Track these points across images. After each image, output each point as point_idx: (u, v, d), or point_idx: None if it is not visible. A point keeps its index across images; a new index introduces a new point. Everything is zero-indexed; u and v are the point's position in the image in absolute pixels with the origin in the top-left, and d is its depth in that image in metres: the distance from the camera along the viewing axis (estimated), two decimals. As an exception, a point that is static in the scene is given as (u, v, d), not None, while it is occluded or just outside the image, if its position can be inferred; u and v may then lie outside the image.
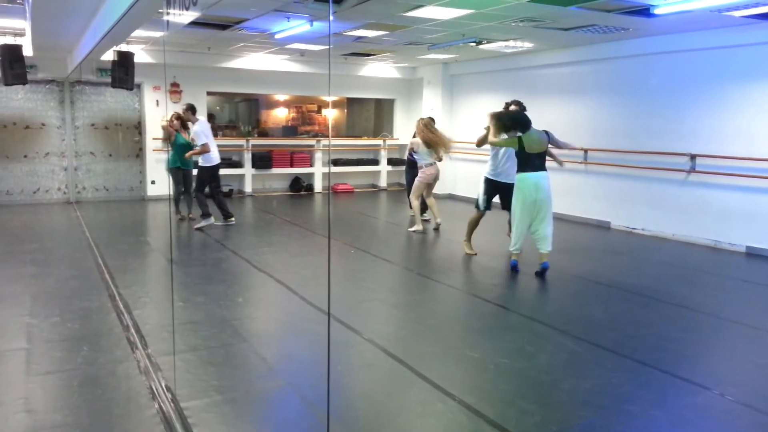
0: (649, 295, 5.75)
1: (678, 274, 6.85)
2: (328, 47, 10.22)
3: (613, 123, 9.29)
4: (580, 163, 9.58)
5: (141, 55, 10.42)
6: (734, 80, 7.80)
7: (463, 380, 3.81)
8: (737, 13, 6.80)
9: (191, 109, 8.81)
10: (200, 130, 8.59)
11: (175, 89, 11.65)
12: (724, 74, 7.88)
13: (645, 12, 6.94)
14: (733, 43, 7.64)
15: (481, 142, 6.95)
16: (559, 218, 9.96)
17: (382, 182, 13.88)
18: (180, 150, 8.93)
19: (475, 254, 7.19)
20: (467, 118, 12.42)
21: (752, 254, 7.55)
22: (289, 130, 14.35)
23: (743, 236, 7.69)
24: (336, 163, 13.37)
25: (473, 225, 7.43)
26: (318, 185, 13.23)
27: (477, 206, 7.27)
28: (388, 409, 3.49)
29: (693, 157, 8.09)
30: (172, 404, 3.36)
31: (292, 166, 12.98)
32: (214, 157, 8.73)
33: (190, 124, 8.80)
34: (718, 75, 7.92)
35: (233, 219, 9.04)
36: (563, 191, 10.18)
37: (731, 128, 7.81)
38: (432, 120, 8.96)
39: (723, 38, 7.72)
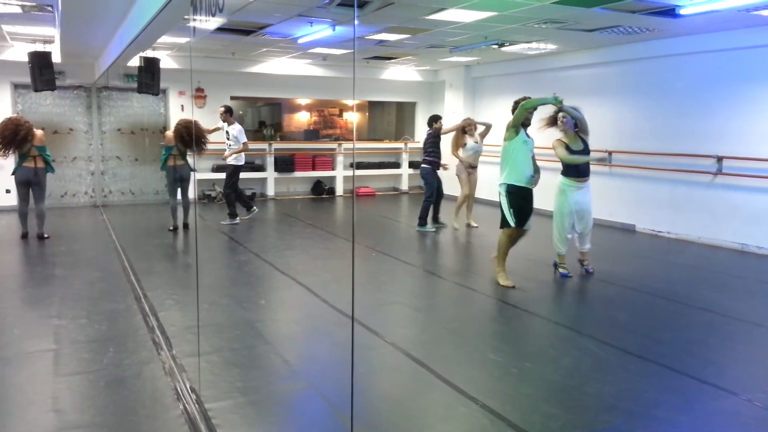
0: (675, 299, 5.66)
1: (704, 277, 6.73)
2: (352, 51, 10.27)
3: (638, 125, 9.17)
4: (605, 165, 9.47)
5: (166, 61, 10.58)
6: (762, 81, 7.65)
7: (485, 384, 3.79)
8: (765, 12, 6.68)
9: (229, 110, 9.49)
10: (241, 129, 9.48)
11: (199, 94, 11.80)
12: (751, 75, 7.74)
13: (670, 12, 6.84)
14: (762, 43, 7.50)
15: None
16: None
17: (404, 185, 13.88)
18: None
19: (513, 287, 5.90)
20: (490, 121, 12.32)
21: (782, 258, 7.40)
22: (311, 134, 14.44)
23: (772, 239, 7.53)
24: (358, 166, 13.41)
25: (504, 248, 6.06)
26: (339, 188, 13.28)
27: (505, 224, 5.98)
28: (410, 412, 3.49)
29: (720, 159, 7.95)
30: (196, 405, 3.40)
31: (314, 169, 13.05)
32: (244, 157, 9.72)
33: (225, 124, 9.44)
34: (746, 76, 7.77)
35: (255, 208, 9.89)
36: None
37: (759, 129, 7.66)
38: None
39: (751, 38, 7.58)
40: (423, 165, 9.14)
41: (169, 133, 8.87)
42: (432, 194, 9.08)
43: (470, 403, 3.49)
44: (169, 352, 4.19)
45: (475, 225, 9.41)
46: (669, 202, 8.65)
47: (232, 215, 9.37)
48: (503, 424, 3.25)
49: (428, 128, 9.23)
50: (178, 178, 8.73)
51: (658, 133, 8.84)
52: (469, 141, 9.19)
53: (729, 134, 7.95)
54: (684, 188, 8.42)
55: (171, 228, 8.81)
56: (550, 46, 9.54)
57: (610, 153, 9.38)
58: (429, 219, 9.21)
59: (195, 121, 9.70)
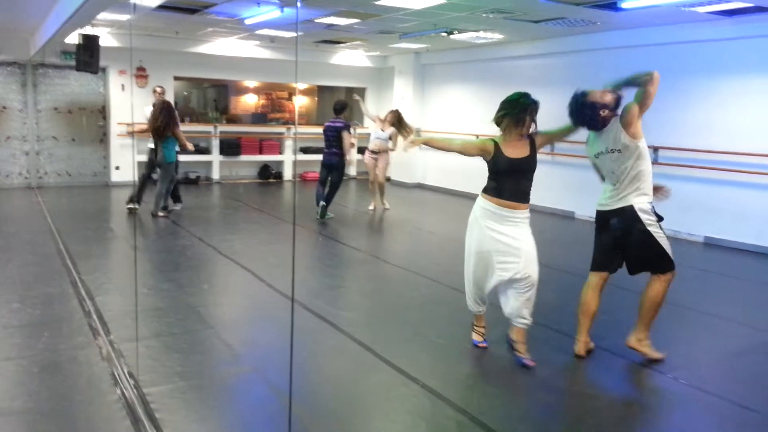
0: (610, 283, 5.86)
1: (639, 263, 7.01)
2: (298, 34, 10.13)
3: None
4: (547, 154, 9.72)
5: (107, 39, 10.19)
6: (696, 75, 7.99)
7: (428, 365, 3.86)
8: (701, 9, 6.96)
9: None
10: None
11: (141, 74, 11.43)
12: (687, 69, 8.05)
13: (612, 6, 7.04)
14: (697, 38, 7.82)
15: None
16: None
17: (352, 171, 13.86)
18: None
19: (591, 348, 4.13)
20: (438, 108, 12.47)
21: (710, 244, 7.78)
22: (259, 117, 14.22)
23: (702, 227, 7.92)
24: (305, 151, 13.30)
25: (583, 303, 4.09)
26: (288, 173, 13.15)
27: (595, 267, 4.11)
28: (352, 394, 3.52)
29: (656, 149, 8.27)
30: (134, 390, 3.34)
31: (261, 153, 12.86)
32: None
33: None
34: (682, 69, 8.08)
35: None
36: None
37: (692, 121, 8.01)
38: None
39: (687, 33, 7.89)
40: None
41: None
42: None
43: (411, 383, 3.56)
44: (107, 337, 4.09)
45: (387, 207, 9.55)
46: (608, 191, 8.92)
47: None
48: (443, 404, 3.32)
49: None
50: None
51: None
52: (376, 130, 9.40)
53: (664, 125, 8.26)
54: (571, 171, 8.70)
55: (164, 215, 8.46)
56: (498, 36, 9.67)
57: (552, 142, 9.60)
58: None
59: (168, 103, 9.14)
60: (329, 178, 8.72)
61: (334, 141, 8.58)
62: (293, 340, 4.19)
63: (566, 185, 9.64)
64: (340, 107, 8.82)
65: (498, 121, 3.94)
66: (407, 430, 3.14)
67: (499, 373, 3.78)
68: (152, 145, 8.67)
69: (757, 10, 6.77)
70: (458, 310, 5.04)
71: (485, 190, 3.98)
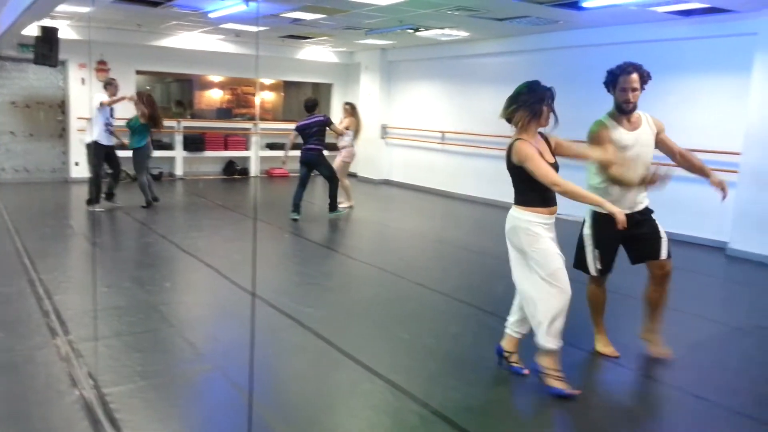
0: (570, 278, 5.98)
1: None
2: (266, 28, 10.04)
3: (543, 112, 9.56)
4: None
5: (66, 31, 9.94)
6: (655, 73, 8.12)
7: (391, 360, 3.89)
8: (660, 9, 7.13)
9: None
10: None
11: (102, 67, 11.17)
12: (647, 67, 8.22)
13: (574, 5, 7.17)
14: (656, 37, 8.00)
15: None
16: (488, 204, 10.26)
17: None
18: (143, 129, 8.68)
19: (617, 356, 4.04)
20: (404, 105, 12.51)
21: (670, 240, 7.98)
22: (224, 113, 14.05)
23: (662, 223, 8.10)
24: (272, 147, 13.20)
25: (597, 304, 4.13)
26: (254, 169, 13.03)
27: (586, 271, 4.07)
28: (316, 390, 3.53)
29: (616, 146, 8.46)
30: (93, 391, 3.28)
31: (226, 149, 12.71)
32: None
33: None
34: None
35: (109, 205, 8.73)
36: (493, 179, 10.46)
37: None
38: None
39: (646, 33, 8.07)
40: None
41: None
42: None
43: (376, 379, 3.58)
44: (65, 337, 4.01)
45: (343, 204, 9.18)
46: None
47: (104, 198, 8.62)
48: (406, 398, 3.36)
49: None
50: (150, 153, 8.86)
51: (563, 121, 9.24)
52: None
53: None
54: (582, 173, 8.87)
55: (145, 205, 8.59)
56: (463, 33, 9.74)
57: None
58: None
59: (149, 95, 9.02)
60: (310, 176, 8.57)
61: (316, 135, 8.41)
62: (255, 336, 4.17)
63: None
64: (312, 104, 8.72)
65: (509, 116, 3.46)
66: (370, 425, 3.16)
67: (463, 367, 3.83)
68: (101, 140, 8.39)
69: (713, 10, 6.97)
70: (423, 306, 5.10)
71: (530, 203, 3.43)
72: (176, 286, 5.50)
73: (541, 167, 3.33)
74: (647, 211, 3.92)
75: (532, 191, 3.41)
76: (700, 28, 7.54)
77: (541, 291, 3.35)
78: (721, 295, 5.94)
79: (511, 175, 3.50)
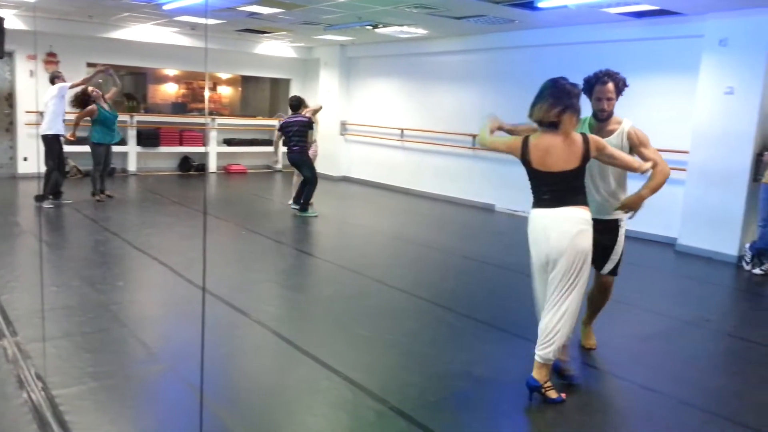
0: (526, 273, 6.07)
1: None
2: (223, 21, 9.87)
3: (499, 111, 9.48)
4: (469, 149, 9.96)
5: (13, 21, 9.55)
6: (608, 74, 8.36)
7: (350, 357, 3.89)
8: (612, 10, 7.30)
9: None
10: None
11: (51, 59, 10.80)
12: (599, 67, 8.41)
13: (530, 5, 7.27)
14: (608, 38, 8.19)
15: None
16: (447, 201, 10.34)
17: (278, 164, 13.64)
18: (110, 121, 8.61)
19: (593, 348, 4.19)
20: (364, 101, 12.49)
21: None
22: (179, 107, 13.76)
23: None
24: (229, 142, 13.00)
25: (595, 304, 4.15)
26: (212, 165, 12.80)
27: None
28: (274, 389, 3.50)
29: (571, 144, 8.63)
30: (42, 393, 3.18)
31: (181, 144, 12.45)
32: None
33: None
34: (594, 68, 8.40)
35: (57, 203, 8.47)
36: (452, 176, 10.57)
37: (604, 118, 8.39)
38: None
39: (599, 33, 8.26)
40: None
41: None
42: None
43: (333, 376, 3.57)
44: (12, 338, 3.87)
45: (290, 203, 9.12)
46: (525, 184, 9.21)
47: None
48: (363, 395, 3.36)
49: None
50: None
51: (520, 119, 9.39)
52: None
53: (579, 122, 8.63)
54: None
55: (99, 198, 8.66)
56: (422, 31, 9.78)
57: (474, 137, 9.87)
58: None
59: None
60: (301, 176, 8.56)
61: (299, 136, 8.36)
62: (212, 335, 4.12)
63: (487, 179, 9.91)
64: (297, 103, 8.62)
65: (558, 118, 3.26)
66: (328, 423, 3.15)
67: (419, 362, 3.85)
68: (60, 131, 8.21)
69: (663, 12, 7.17)
70: (382, 303, 5.11)
71: (584, 202, 3.39)
72: (129, 284, 5.37)
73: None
74: (614, 225, 3.85)
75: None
76: (651, 29, 7.75)
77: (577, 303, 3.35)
78: (671, 290, 6.13)
79: (578, 175, 3.36)
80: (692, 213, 7.35)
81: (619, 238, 3.88)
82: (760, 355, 4.39)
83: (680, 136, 7.48)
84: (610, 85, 3.86)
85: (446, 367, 3.78)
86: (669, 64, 7.82)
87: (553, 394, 3.35)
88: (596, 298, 4.08)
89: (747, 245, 6.70)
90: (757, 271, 6.51)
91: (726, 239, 6.96)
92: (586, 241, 3.30)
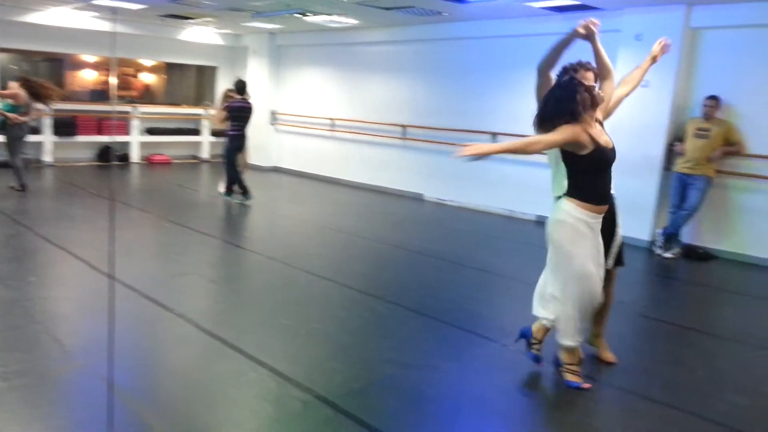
0: (453, 261, 6.23)
1: (479, 241, 7.50)
2: (146, 6, 9.50)
3: (428, 102, 9.82)
4: (400, 138, 10.04)
5: None
6: (530, 67, 8.59)
7: (276, 348, 3.86)
8: (536, 4, 7.51)
9: None
10: None
11: (-45, 42, 10.10)
12: (523, 60, 8.65)
13: (456, -3, 7.39)
14: (532, 32, 8.41)
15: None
16: (376, 191, 10.41)
17: (204, 153, 13.33)
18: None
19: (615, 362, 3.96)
20: (294, 90, 12.35)
21: (542, 222, 8.47)
22: (98, 95, 13.16)
23: (533, 207, 8.63)
24: (152, 132, 12.55)
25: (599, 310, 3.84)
26: (135, 155, 12.32)
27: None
28: (198, 384, 3.43)
29: (494, 135, 8.84)
30: (-58, 396, 2.99)
31: (100, 133, 11.89)
32: None
33: None
34: (518, 61, 8.68)
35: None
36: (381, 166, 10.62)
37: (527, 110, 8.61)
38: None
39: (524, 27, 8.47)
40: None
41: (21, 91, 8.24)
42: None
43: (259, 368, 3.54)
44: None
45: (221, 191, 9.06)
46: (453, 174, 9.43)
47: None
48: (289, 385, 3.35)
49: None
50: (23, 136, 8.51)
51: (446, 110, 9.56)
52: None
53: (501, 113, 8.86)
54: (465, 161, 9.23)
55: (20, 188, 8.29)
56: (352, 21, 9.75)
57: (404, 127, 9.96)
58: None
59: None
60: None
61: (247, 120, 8.47)
62: (132, 330, 3.99)
63: (416, 169, 10.03)
64: (243, 86, 8.60)
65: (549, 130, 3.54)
66: (252, 414, 3.12)
67: (344, 350, 3.87)
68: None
69: (583, 8, 7.44)
70: (310, 293, 5.09)
71: (576, 195, 3.65)
72: (42, 280, 5.11)
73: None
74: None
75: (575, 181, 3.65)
76: (572, 23, 7.97)
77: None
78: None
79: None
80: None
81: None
82: (668, 333, 4.67)
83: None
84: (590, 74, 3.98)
85: (372, 354, 3.82)
86: (589, 58, 8.09)
87: (570, 377, 3.54)
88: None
89: (659, 231, 7.08)
90: (668, 255, 6.90)
91: (639, 225, 7.32)
92: None
